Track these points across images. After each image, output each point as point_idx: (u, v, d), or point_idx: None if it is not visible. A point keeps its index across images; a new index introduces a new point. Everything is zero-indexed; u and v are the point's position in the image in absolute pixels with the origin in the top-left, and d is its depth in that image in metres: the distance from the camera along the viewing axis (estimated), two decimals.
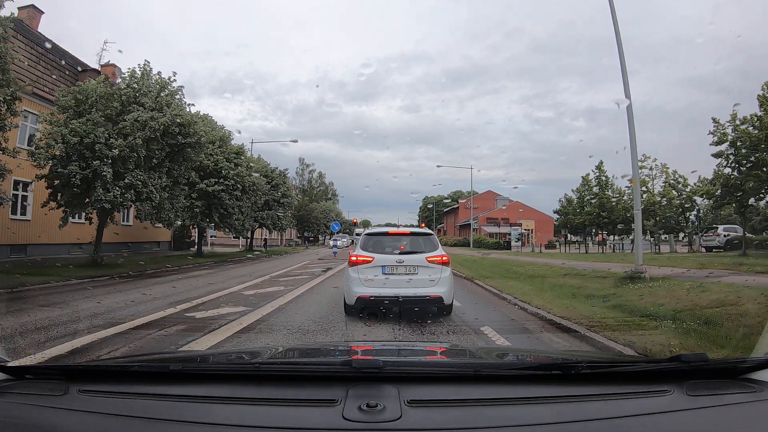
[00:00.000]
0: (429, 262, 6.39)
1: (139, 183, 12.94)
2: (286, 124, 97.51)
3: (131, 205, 13.53)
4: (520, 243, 41.18)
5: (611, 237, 33.76)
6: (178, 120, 13.81)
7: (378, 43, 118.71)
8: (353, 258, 6.50)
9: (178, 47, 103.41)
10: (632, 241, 32.14)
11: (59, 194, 13.29)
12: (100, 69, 21.42)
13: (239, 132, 79.25)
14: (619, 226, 31.20)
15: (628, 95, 9.61)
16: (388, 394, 1.23)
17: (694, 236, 27.22)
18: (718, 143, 20.35)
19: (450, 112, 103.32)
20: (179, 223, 22.71)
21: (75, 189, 12.46)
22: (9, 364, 1.46)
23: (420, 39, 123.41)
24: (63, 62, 19.36)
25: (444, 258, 6.49)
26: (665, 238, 28.09)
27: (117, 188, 12.46)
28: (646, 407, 1.24)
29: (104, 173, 12.05)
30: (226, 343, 4.82)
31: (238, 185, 20.65)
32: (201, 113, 19.91)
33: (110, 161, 12.30)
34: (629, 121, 9.61)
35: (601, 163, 31.33)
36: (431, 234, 7.12)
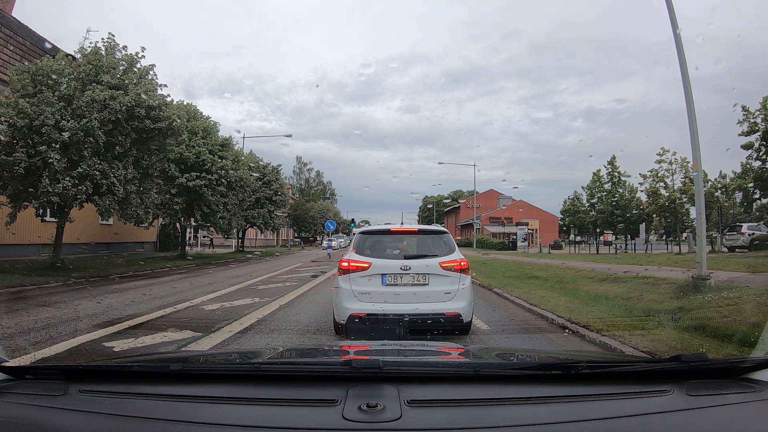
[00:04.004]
0: (443, 268, 4.77)
1: (98, 173, 11.04)
2: (286, 125, 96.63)
3: (87, 200, 11.58)
4: (525, 243, 39.46)
5: (623, 237, 32.04)
6: (146, 101, 11.92)
7: (377, 44, 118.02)
8: (344, 264, 4.87)
9: (177, 48, 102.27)
10: (646, 241, 30.83)
11: (8, 186, 11.43)
12: (80, 57, 19.66)
13: (238, 131, 78.37)
14: (620, 226, 29.56)
15: (682, 60, 7.78)
16: (388, 394, 1.22)
17: (716, 235, 25.38)
18: (748, 133, 18.61)
19: (449, 113, 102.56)
20: (162, 221, 20.99)
21: (19, 180, 10.57)
22: (9, 364, 1.45)
23: (419, 40, 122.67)
24: (34, 46, 17.45)
25: (463, 263, 4.86)
26: (685, 237, 26.27)
27: (69, 179, 10.56)
28: (646, 407, 1.23)
29: (51, 160, 10.15)
30: None
31: (223, 180, 18.75)
32: (185, 102, 18.30)
33: (59, 147, 10.40)
34: (687, 98, 7.77)
35: (614, 158, 29.75)
36: (445, 232, 5.31)
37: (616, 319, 5.62)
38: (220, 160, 18.70)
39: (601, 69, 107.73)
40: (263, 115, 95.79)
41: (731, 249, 22.47)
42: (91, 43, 12.49)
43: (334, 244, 30.72)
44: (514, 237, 41.66)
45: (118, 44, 12.49)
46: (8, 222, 11.53)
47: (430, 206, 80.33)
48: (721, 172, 27.02)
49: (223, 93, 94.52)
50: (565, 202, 35.86)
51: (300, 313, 6.76)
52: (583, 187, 32.13)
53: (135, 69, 12.52)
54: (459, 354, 2.20)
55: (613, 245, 32.45)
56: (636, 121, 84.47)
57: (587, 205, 31.80)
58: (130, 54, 12.56)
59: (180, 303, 7.44)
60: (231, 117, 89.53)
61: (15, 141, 10.85)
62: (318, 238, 56.65)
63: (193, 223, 20.61)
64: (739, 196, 24.56)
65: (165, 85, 14.77)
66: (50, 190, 10.37)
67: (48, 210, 12.12)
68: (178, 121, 13.09)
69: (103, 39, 12.47)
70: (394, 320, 4.43)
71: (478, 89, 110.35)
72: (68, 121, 10.60)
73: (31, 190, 11.12)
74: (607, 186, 30.06)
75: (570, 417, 1.18)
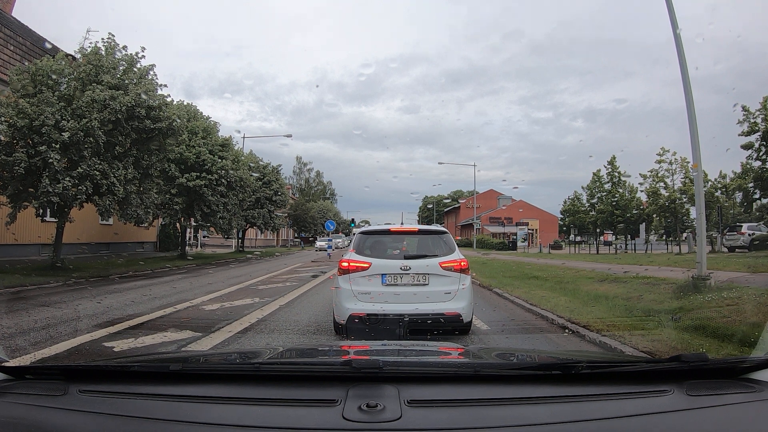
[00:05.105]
0: (443, 269, 4.77)
1: (98, 173, 11.04)
2: (286, 125, 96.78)
3: (87, 200, 11.59)
4: (525, 243, 39.44)
5: (623, 237, 32.04)
6: (146, 101, 11.92)
7: (377, 44, 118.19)
8: (344, 264, 4.87)
9: (177, 48, 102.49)
10: (646, 241, 30.82)
11: (8, 186, 11.43)
12: (80, 58, 19.64)
13: (238, 131, 78.41)
14: (620, 226, 29.55)
15: (682, 60, 7.78)
16: (388, 394, 1.22)
17: (716, 235, 25.37)
18: (748, 133, 18.60)
19: (449, 113, 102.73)
20: (162, 221, 20.99)
21: (19, 180, 10.57)
22: (9, 364, 1.44)
23: (419, 40, 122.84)
24: (34, 46, 17.44)
25: (463, 264, 4.85)
26: (685, 237, 26.27)
27: (69, 179, 10.55)
28: (646, 407, 1.22)
29: (51, 160, 10.15)
30: None
31: (223, 180, 18.75)
32: (185, 102, 18.33)
33: (59, 147, 10.40)
34: (687, 98, 7.77)
35: (614, 158, 29.72)
36: (445, 232, 5.31)
37: (616, 319, 5.62)
38: (220, 160, 18.70)
39: (601, 69, 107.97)
40: (263, 115, 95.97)
41: (731, 249, 22.44)
42: (91, 43, 12.50)
43: (325, 244, 30.42)
44: (514, 237, 41.65)
45: (118, 44, 12.51)
46: (8, 222, 11.53)
47: (430, 206, 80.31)
48: (721, 172, 27.04)
49: (223, 93, 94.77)
50: (565, 202, 35.89)
51: (300, 313, 6.75)
52: (583, 187, 32.15)
53: (135, 69, 12.52)
54: (459, 354, 2.19)
55: (613, 245, 32.42)
56: (636, 121, 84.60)
57: (587, 205, 31.78)
58: (130, 54, 12.56)
59: (180, 303, 7.44)
60: (231, 117, 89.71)
61: (15, 141, 10.86)
62: (318, 238, 56.57)
63: (193, 223, 20.61)
64: (739, 196, 24.55)
65: (165, 85, 14.80)
66: (50, 190, 10.37)
67: (48, 210, 12.13)
68: (178, 121, 13.10)
69: (103, 39, 12.49)
70: (394, 320, 4.43)
71: (478, 89, 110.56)
72: (68, 121, 10.60)
73: (31, 190, 11.13)
74: (607, 186, 30.04)
75: (570, 417, 1.18)
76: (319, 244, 36.97)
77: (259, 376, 1.38)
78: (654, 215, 26.59)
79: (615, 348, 4.48)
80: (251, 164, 24.72)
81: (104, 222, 18.96)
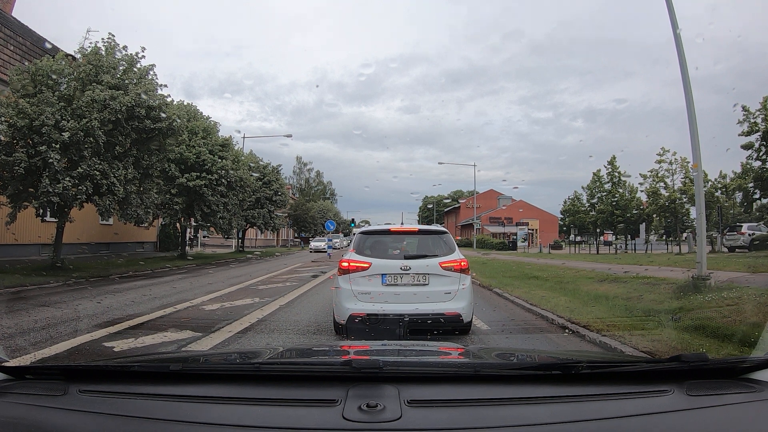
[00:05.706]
0: (443, 269, 4.77)
1: (98, 173, 11.04)
2: (286, 125, 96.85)
3: (87, 200, 11.59)
4: (525, 243, 39.46)
5: (623, 237, 32.05)
6: (146, 101, 11.92)
7: (377, 44, 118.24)
8: (344, 264, 4.87)
9: (177, 48, 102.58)
10: (646, 241, 30.83)
11: (8, 186, 11.43)
12: (80, 58, 19.63)
13: (238, 131, 78.41)
14: (620, 226, 29.56)
15: (682, 60, 7.79)
16: (388, 394, 1.22)
17: (716, 235, 25.36)
18: (748, 133, 18.61)
19: (449, 113, 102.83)
20: (162, 221, 21.00)
21: (19, 180, 10.57)
22: (9, 364, 1.44)
23: (419, 40, 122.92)
24: (34, 46, 17.44)
25: (463, 264, 4.86)
26: (685, 237, 26.27)
27: (69, 179, 10.56)
28: (646, 407, 1.22)
29: (51, 160, 10.15)
30: None
31: (223, 180, 18.75)
32: (185, 102, 18.35)
33: (59, 147, 10.40)
34: (687, 98, 7.77)
35: (614, 158, 29.74)
36: (445, 232, 5.32)
37: (616, 319, 5.62)
38: (220, 160, 18.70)
39: (601, 69, 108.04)
40: (263, 115, 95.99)
41: (731, 249, 22.44)
42: (91, 43, 12.51)
43: (321, 245, 29.41)
44: (514, 237, 41.67)
45: (118, 44, 12.50)
46: (8, 222, 11.53)
47: (430, 206, 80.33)
48: (721, 172, 27.07)
49: (223, 93, 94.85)
50: (565, 202, 35.94)
51: (300, 313, 6.75)
52: (583, 187, 32.19)
53: (135, 69, 12.52)
54: (459, 354, 2.19)
55: (613, 245, 32.44)
56: (636, 121, 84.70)
57: (587, 205, 31.81)
58: (130, 54, 12.55)
59: (180, 303, 7.44)
60: (231, 117, 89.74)
61: (15, 141, 10.87)
62: (315, 238, 56.34)
63: (193, 223, 20.61)
64: (739, 196, 24.57)
65: (165, 85, 14.80)
66: (50, 190, 10.37)
67: (48, 210, 12.13)
68: (178, 121, 13.10)
69: (103, 39, 12.49)
70: (394, 320, 4.43)
71: (478, 89, 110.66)
72: (68, 121, 10.59)
73: (31, 190, 11.14)
74: (607, 186, 30.07)
75: (570, 417, 1.18)
76: (314, 244, 33.61)
77: (259, 376, 1.38)
78: (654, 215, 26.61)
79: (615, 348, 4.49)
80: (251, 164, 24.72)
81: (104, 222, 18.96)
